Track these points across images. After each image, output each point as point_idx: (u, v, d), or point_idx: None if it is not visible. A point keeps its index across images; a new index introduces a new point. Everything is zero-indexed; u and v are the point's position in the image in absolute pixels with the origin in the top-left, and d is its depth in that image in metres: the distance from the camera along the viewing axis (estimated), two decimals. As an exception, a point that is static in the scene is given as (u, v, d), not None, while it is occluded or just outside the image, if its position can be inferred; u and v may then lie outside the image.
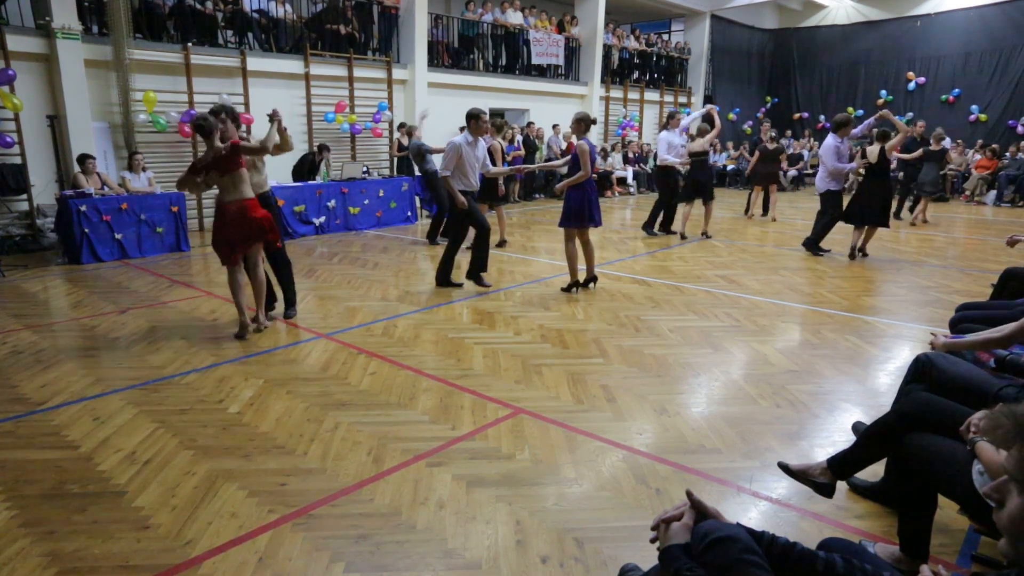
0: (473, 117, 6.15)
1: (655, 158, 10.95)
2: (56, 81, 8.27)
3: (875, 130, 7.97)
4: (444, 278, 6.36)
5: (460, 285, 6.35)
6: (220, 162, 4.63)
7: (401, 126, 11.27)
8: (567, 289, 6.12)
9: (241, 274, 4.87)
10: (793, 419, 3.47)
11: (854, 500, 2.71)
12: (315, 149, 10.04)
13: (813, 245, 8.06)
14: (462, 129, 12.41)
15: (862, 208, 7.57)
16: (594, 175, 5.90)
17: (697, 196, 9.34)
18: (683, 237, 9.17)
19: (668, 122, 9.25)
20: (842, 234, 8.29)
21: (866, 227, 7.70)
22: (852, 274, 7.02)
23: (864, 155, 7.76)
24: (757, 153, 11.40)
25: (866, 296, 6.10)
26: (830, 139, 7.64)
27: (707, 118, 9.29)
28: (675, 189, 9.43)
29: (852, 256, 7.73)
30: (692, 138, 9.67)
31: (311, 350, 4.54)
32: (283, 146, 4.95)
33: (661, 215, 9.46)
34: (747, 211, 11.78)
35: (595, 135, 15.90)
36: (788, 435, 3.28)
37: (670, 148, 9.03)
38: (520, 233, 9.65)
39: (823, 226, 7.98)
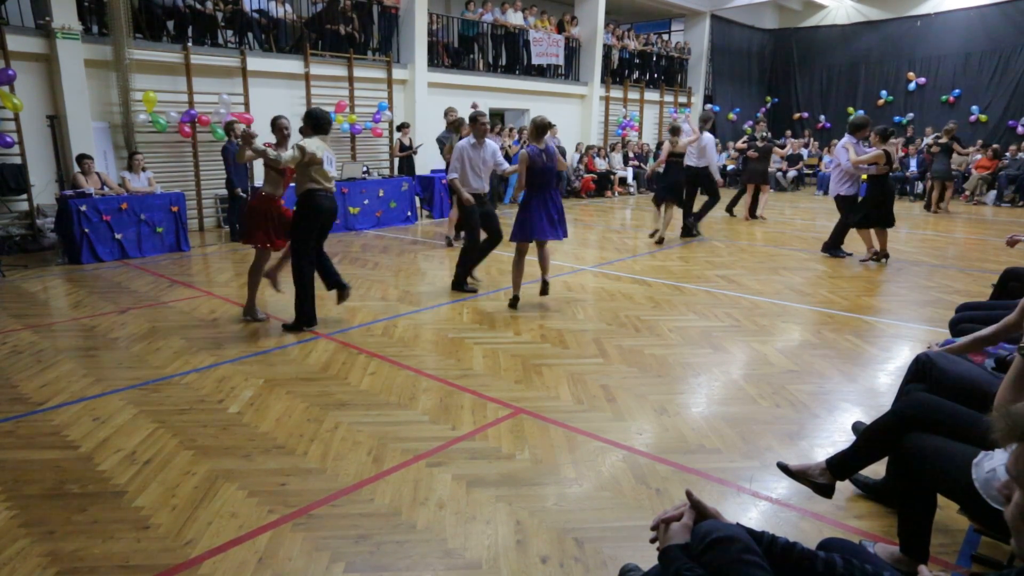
0: (470, 120, 6.16)
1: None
2: (56, 81, 8.27)
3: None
4: (457, 283, 6.20)
5: (474, 291, 6.16)
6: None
7: (401, 127, 11.27)
8: (511, 305, 5.65)
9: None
10: (793, 419, 3.47)
11: (854, 500, 2.71)
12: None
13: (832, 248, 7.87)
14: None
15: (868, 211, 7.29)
16: (575, 181, 5.63)
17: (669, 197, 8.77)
18: (660, 241, 8.70)
19: (705, 125, 9.13)
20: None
21: (875, 230, 7.37)
22: (852, 274, 7.02)
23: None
24: (751, 151, 10.98)
25: (866, 296, 6.10)
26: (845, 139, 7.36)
27: (674, 129, 8.76)
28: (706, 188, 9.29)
29: (879, 259, 7.45)
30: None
31: (311, 350, 4.54)
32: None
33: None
34: (730, 209, 11.43)
35: (595, 135, 15.92)
36: (788, 435, 3.28)
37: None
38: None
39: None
